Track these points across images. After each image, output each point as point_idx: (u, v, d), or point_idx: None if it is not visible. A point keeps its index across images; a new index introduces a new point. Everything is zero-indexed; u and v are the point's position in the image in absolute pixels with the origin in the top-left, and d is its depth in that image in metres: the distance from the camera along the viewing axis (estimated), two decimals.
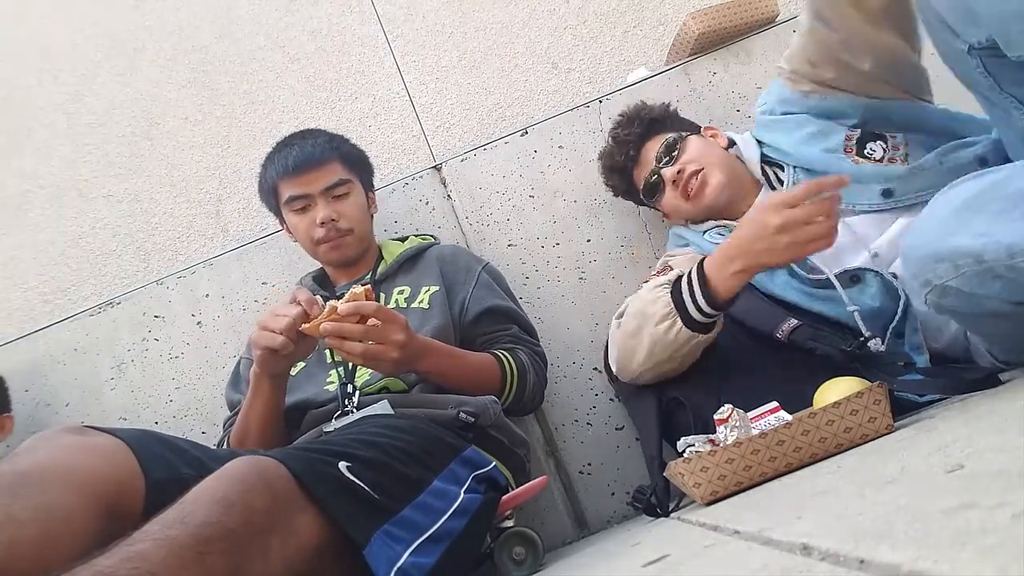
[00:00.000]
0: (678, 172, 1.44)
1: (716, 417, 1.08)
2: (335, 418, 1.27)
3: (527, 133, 1.79)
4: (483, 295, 1.47)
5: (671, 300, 1.22)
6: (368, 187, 1.59)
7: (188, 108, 1.99)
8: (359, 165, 1.57)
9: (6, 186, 1.96)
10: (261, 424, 1.28)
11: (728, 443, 0.98)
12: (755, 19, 1.80)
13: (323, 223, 1.45)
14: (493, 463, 1.23)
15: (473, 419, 1.25)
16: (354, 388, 1.32)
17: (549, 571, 1.13)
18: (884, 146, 1.32)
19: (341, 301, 1.15)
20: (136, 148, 1.97)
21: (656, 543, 0.88)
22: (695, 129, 1.55)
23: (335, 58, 2.00)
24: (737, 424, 1.02)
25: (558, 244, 1.72)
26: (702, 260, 1.22)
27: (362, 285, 1.18)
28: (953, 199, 0.88)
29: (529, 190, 1.75)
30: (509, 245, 1.73)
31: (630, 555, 0.89)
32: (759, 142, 1.47)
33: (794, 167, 1.40)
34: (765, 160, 1.46)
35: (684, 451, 1.03)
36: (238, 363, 1.55)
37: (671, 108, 1.58)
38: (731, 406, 1.05)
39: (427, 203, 1.78)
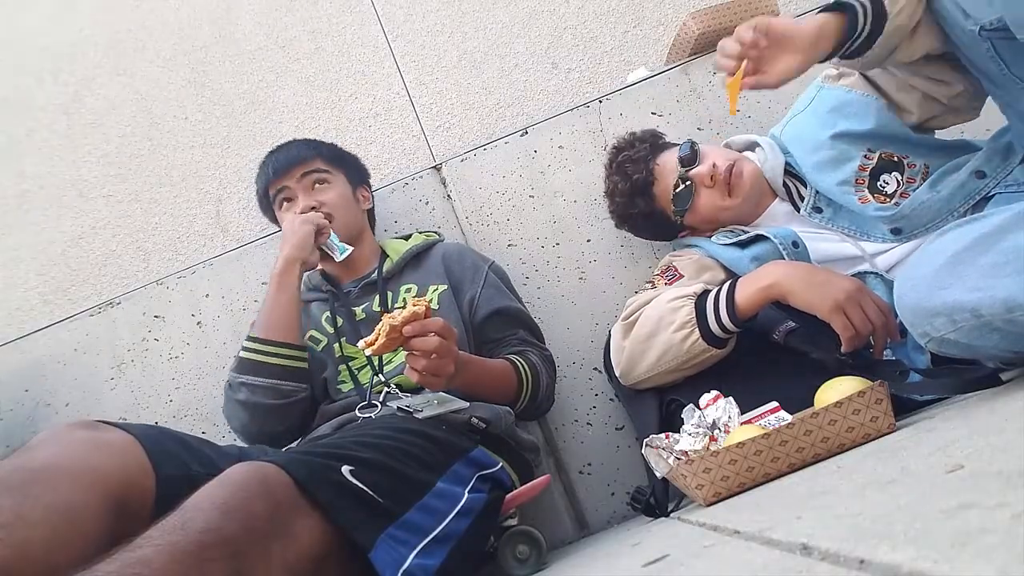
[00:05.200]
0: (713, 166, 1.39)
1: (703, 402, 1.09)
2: (359, 409, 1.28)
3: (527, 133, 1.79)
4: (492, 295, 1.47)
5: (693, 310, 1.23)
6: (357, 182, 1.61)
7: (188, 108, 1.99)
8: (343, 161, 1.60)
9: (6, 186, 1.96)
10: (294, 313, 1.38)
11: (692, 432, 1.04)
12: None
13: (303, 212, 1.47)
14: (500, 464, 1.23)
15: (485, 425, 1.25)
16: (386, 381, 1.33)
17: (550, 571, 1.13)
18: (899, 178, 1.31)
19: (396, 315, 1.12)
20: (136, 148, 1.98)
21: (656, 543, 0.88)
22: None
23: (335, 58, 2.00)
24: (724, 407, 1.04)
25: (558, 244, 1.72)
26: (736, 278, 1.24)
27: (416, 302, 1.15)
28: (944, 249, 0.88)
29: (529, 190, 1.75)
30: (509, 245, 1.73)
31: (630, 555, 0.89)
32: (784, 151, 1.46)
33: (815, 190, 1.39)
34: (788, 171, 1.44)
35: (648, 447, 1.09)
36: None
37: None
38: (718, 392, 1.08)
39: (427, 203, 1.78)
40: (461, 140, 1.91)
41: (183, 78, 2.01)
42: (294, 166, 1.52)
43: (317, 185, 1.52)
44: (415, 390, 1.32)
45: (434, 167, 1.80)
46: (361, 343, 1.13)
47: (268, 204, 1.58)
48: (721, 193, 1.40)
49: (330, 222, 1.48)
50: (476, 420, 1.25)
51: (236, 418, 1.36)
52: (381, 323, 1.11)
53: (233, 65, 2.01)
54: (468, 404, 1.25)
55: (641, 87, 1.79)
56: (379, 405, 1.27)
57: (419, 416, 1.19)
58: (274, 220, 1.61)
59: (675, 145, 1.49)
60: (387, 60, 1.98)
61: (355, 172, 1.62)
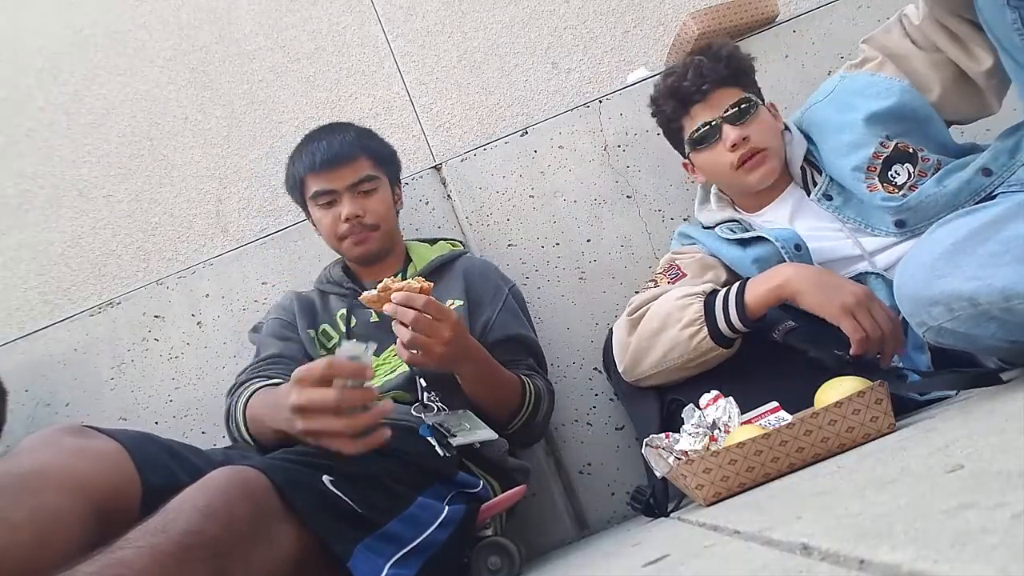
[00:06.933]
0: (743, 138, 1.36)
1: (703, 402, 1.09)
2: (414, 409, 1.27)
3: (527, 133, 1.79)
4: (508, 321, 1.46)
5: (703, 308, 1.24)
6: (395, 182, 1.58)
7: (188, 108, 1.99)
8: (387, 161, 1.56)
9: (6, 186, 1.96)
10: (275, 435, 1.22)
11: (692, 432, 1.04)
12: (755, 19, 1.80)
13: (348, 219, 1.45)
14: (481, 484, 1.21)
15: (479, 446, 1.25)
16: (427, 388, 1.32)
17: (549, 571, 1.13)
18: (911, 170, 1.31)
19: (400, 284, 1.17)
20: (136, 148, 1.97)
21: (656, 543, 0.88)
22: (762, 99, 1.46)
23: (335, 58, 2.00)
24: (724, 407, 1.04)
25: (558, 244, 1.72)
26: (745, 279, 1.25)
27: (420, 281, 1.19)
28: (943, 239, 0.88)
29: (529, 190, 1.75)
30: (509, 245, 1.73)
31: (630, 555, 0.89)
32: (807, 138, 1.45)
33: (829, 177, 1.39)
34: (807, 158, 1.43)
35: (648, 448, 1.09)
36: (267, 317, 1.52)
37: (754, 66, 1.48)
38: (718, 392, 1.08)
39: (427, 203, 1.78)
40: (461, 140, 1.91)
41: (183, 78, 2.01)
42: (342, 166, 1.45)
43: (362, 193, 1.47)
44: (410, 404, 1.32)
45: (434, 167, 1.80)
46: (364, 294, 1.19)
47: (299, 191, 1.52)
48: (735, 164, 1.37)
49: (375, 230, 1.47)
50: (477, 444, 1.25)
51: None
52: (383, 282, 1.17)
53: (233, 65, 2.01)
54: (497, 436, 1.27)
55: (641, 87, 1.79)
56: (434, 408, 1.27)
57: (453, 441, 1.19)
58: (302, 205, 1.55)
59: (746, 90, 1.42)
60: (387, 60, 1.98)
61: (395, 172, 1.58)
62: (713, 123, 1.39)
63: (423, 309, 1.14)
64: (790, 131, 1.46)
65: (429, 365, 1.19)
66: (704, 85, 1.39)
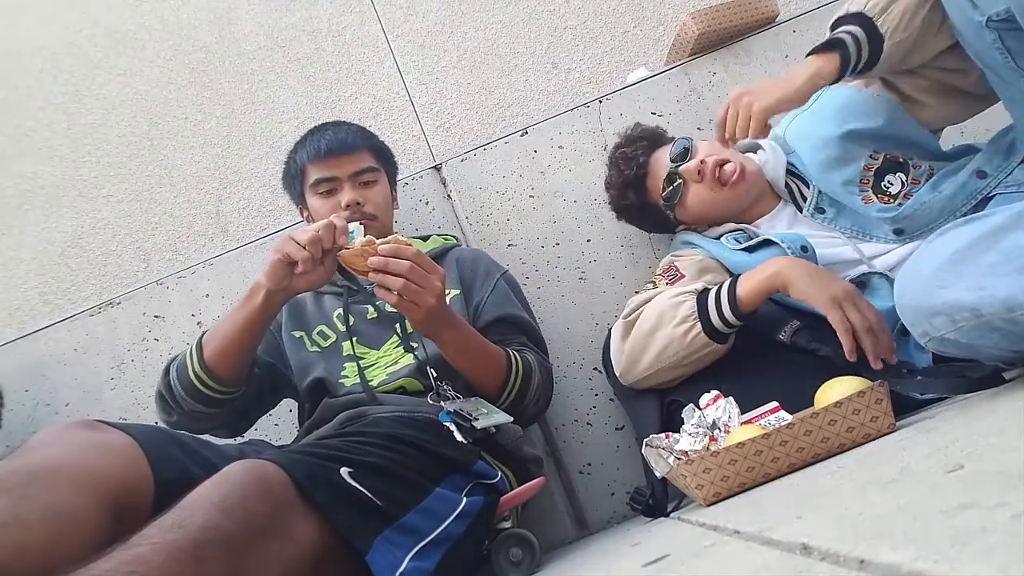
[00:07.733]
0: (700, 161, 1.41)
1: (703, 402, 1.09)
2: (430, 398, 1.28)
3: (527, 133, 1.79)
4: (498, 302, 1.46)
5: (695, 305, 1.24)
6: (392, 183, 1.60)
7: (188, 108, 1.99)
8: (386, 158, 1.58)
9: (6, 186, 1.96)
10: (237, 337, 1.25)
11: (692, 432, 1.05)
12: (755, 19, 1.80)
13: (348, 206, 1.45)
14: (499, 475, 1.21)
15: (495, 430, 1.25)
16: (439, 378, 1.33)
17: (549, 571, 1.13)
18: (904, 178, 1.31)
19: (380, 242, 1.16)
20: (136, 148, 1.97)
21: (656, 543, 0.88)
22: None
23: (335, 58, 2.00)
24: (724, 407, 1.04)
25: (558, 244, 1.72)
26: (738, 275, 1.25)
27: (402, 240, 1.19)
28: (944, 248, 0.87)
29: (529, 190, 1.75)
30: (509, 245, 1.73)
31: (630, 555, 0.89)
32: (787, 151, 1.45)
33: (818, 189, 1.39)
34: (790, 171, 1.43)
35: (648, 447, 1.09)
36: None
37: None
38: (718, 392, 1.08)
39: (427, 203, 1.78)
40: (461, 140, 1.91)
41: (183, 78, 2.02)
42: (345, 155, 1.48)
43: (363, 183, 1.49)
44: (420, 392, 1.32)
45: (434, 167, 1.80)
46: (343, 252, 1.17)
47: (299, 181, 1.52)
48: (709, 187, 1.41)
49: (373, 220, 1.46)
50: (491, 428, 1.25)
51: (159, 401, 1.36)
52: (367, 237, 1.17)
53: (233, 65, 2.01)
54: (512, 419, 1.28)
55: (641, 87, 1.80)
56: (448, 396, 1.28)
57: (476, 424, 1.19)
58: (299, 198, 1.55)
59: (673, 141, 1.50)
60: (387, 60, 1.98)
61: (393, 172, 1.61)
62: (671, 178, 1.45)
63: (413, 259, 1.15)
64: (763, 149, 1.46)
65: (418, 317, 1.18)
66: (640, 160, 1.49)
